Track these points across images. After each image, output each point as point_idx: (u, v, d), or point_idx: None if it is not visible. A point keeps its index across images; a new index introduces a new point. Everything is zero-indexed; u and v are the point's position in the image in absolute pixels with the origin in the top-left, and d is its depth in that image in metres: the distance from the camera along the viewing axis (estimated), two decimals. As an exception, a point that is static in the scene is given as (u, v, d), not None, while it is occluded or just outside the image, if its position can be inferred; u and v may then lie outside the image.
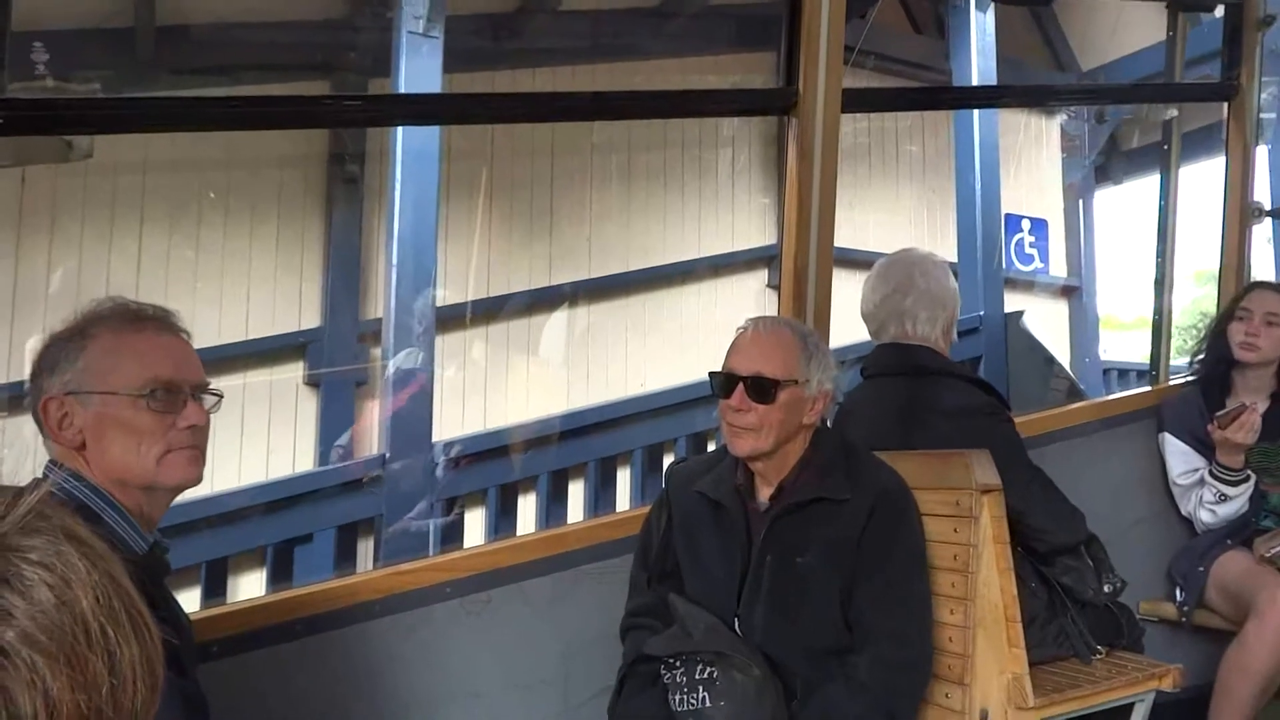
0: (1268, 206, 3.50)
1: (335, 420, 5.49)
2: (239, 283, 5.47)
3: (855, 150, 7.34)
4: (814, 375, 1.94)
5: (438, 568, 2.19)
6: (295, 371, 5.55)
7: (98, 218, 5.18)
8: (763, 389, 1.89)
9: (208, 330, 5.28)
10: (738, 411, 1.90)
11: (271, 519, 4.63)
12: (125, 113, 2.30)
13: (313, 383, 5.55)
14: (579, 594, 2.29)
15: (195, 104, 2.37)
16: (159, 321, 1.47)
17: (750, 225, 6.95)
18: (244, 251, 5.50)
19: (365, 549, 4.92)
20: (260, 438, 5.36)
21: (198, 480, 1.48)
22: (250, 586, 4.72)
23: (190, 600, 4.42)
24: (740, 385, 1.90)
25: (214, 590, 4.42)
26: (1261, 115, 3.48)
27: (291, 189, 5.69)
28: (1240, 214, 3.33)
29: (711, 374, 1.98)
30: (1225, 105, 3.35)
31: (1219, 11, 3.36)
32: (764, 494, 1.97)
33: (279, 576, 4.55)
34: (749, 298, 6.82)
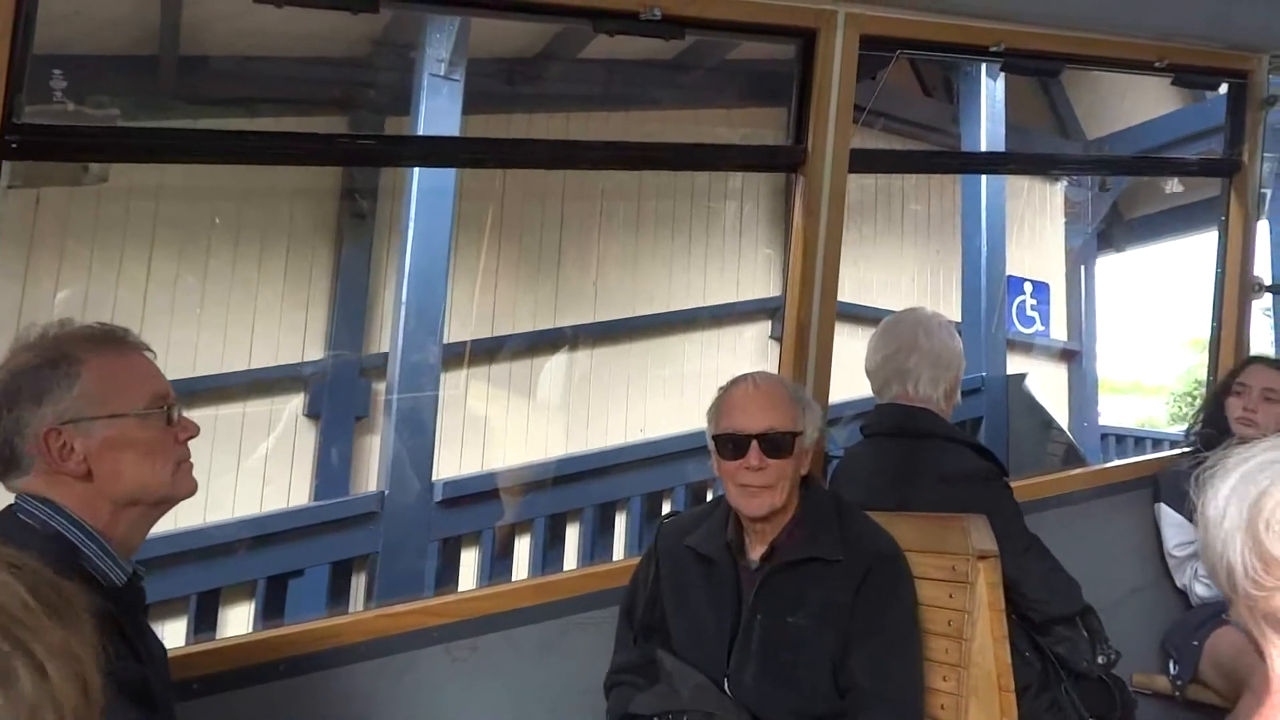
0: (1266, 281, 3.52)
1: (334, 454, 5.47)
2: (244, 312, 5.49)
3: (861, 207, 7.42)
4: (809, 426, 1.96)
5: (427, 612, 2.17)
6: (296, 403, 5.55)
7: (108, 242, 5.22)
8: (777, 444, 1.89)
9: (210, 358, 5.29)
10: (756, 470, 1.89)
11: (264, 552, 4.60)
12: (140, 142, 2.34)
13: (313, 415, 5.55)
14: (569, 644, 2.27)
15: (210, 136, 2.41)
16: (133, 342, 1.48)
17: (755, 276, 7.00)
18: (251, 281, 5.53)
19: (359, 586, 4.88)
20: (256, 469, 5.35)
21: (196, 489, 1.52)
22: (240, 619, 4.67)
23: (178, 632, 4.39)
24: (754, 443, 1.89)
25: (204, 622, 4.38)
26: (1262, 190, 3.51)
27: (302, 221, 5.74)
28: (1241, 288, 3.34)
29: (717, 437, 1.96)
30: (1226, 181, 3.38)
31: (1223, 89, 3.40)
32: (756, 552, 1.96)
33: (270, 610, 4.51)
34: (751, 348, 6.84)
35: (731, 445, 1.92)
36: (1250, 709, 2.49)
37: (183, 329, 5.24)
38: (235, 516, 4.84)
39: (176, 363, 5.08)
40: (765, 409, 1.93)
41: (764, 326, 6.97)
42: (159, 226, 5.33)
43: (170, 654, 1.87)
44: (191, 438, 1.48)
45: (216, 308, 5.41)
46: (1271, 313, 6.87)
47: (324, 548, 4.71)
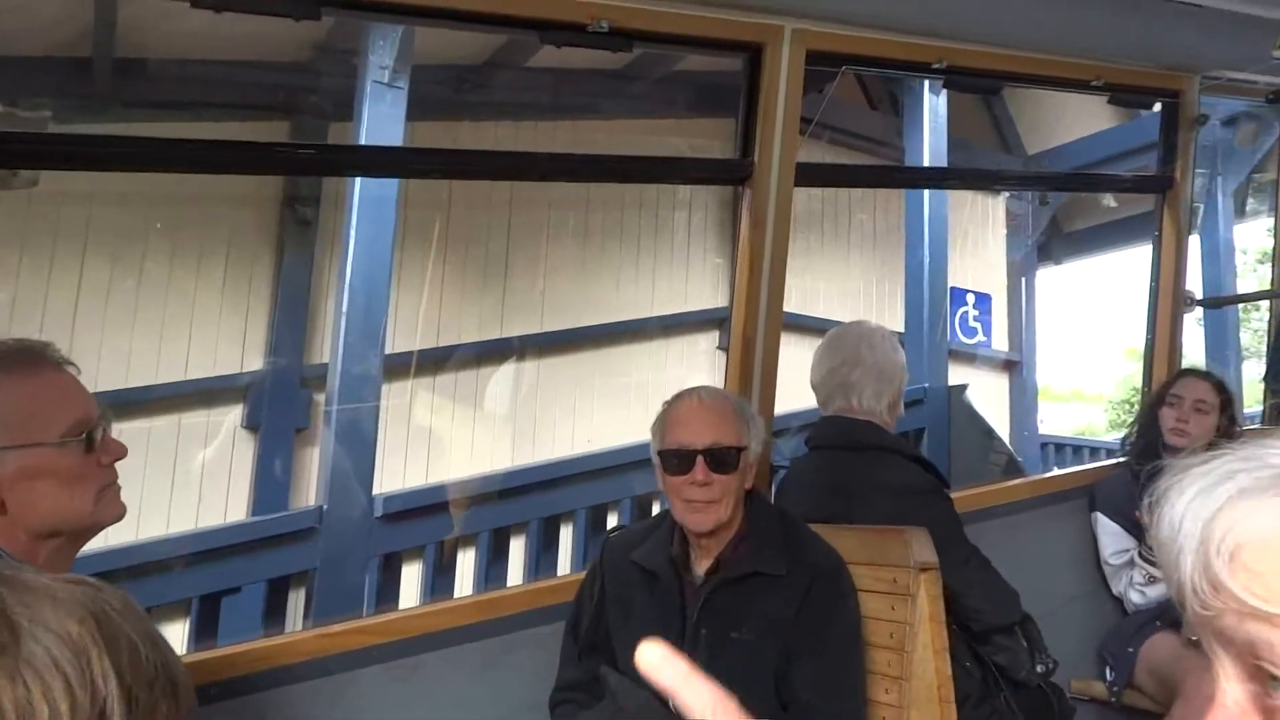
0: (1198, 295, 3.62)
1: (273, 467, 5.35)
2: (181, 320, 5.35)
3: (809, 218, 7.49)
4: (753, 440, 1.96)
5: (366, 630, 2.13)
6: (234, 415, 5.42)
7: (38, 246, 5.06)
8: (723, 459, 1.88)
9: (144, 367, 5.15)
10: (702, 486, 1.88)
11: (199, 570, 4.47)
12: (74, 150, 2.26)
13: (252, 427, 5.42)
14: (513, 661, 2.24)
15: (147, 144, 2.33)
16: (51, 360, 1.40)
17: (704, 286, 7.02)
18: (188, 288, 5.39)
19: (297, 603, 4.78)
20: (192, 483, 5.21)
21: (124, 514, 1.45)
22: (174, 639, 4.54)
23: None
24: (700, 458, 1.89)
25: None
26: (1195, 204, 3.61)
27: (243, 228, 5.61)
28: (1174, 301, 3.43)
29: (662, 453, 1.96)
30: (1160, 196, 3.47)
31: (1156, 107, 3.49)
32: (701, 566, 1.95)
33: (204, 630, 4.38)
34: (699, 358, 6.86)
35: (677, 460, 1.91)
36: (1183, 716, 2.56)
37: (116, 337, 5.09)
38: (169, 533, 4.71)
39: (109, 372, 4.93)
40: (710, 424, 1.92)
41: (713, 337, 7.00)
42: (92, 232, 5.17)
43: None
44: (118, 460, 1.41)
45: (152, 315, 5.26)
46: (1204, 324, 7.10)
47: (261, 565, 4.58)
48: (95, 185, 5.10)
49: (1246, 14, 3.21)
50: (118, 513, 1.42)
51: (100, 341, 5.02)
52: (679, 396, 2.01)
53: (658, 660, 0.62)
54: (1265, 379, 3.58)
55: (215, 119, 5.35)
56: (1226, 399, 3.00)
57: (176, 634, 4.54)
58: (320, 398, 5.33)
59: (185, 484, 5.16)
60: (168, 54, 5.27)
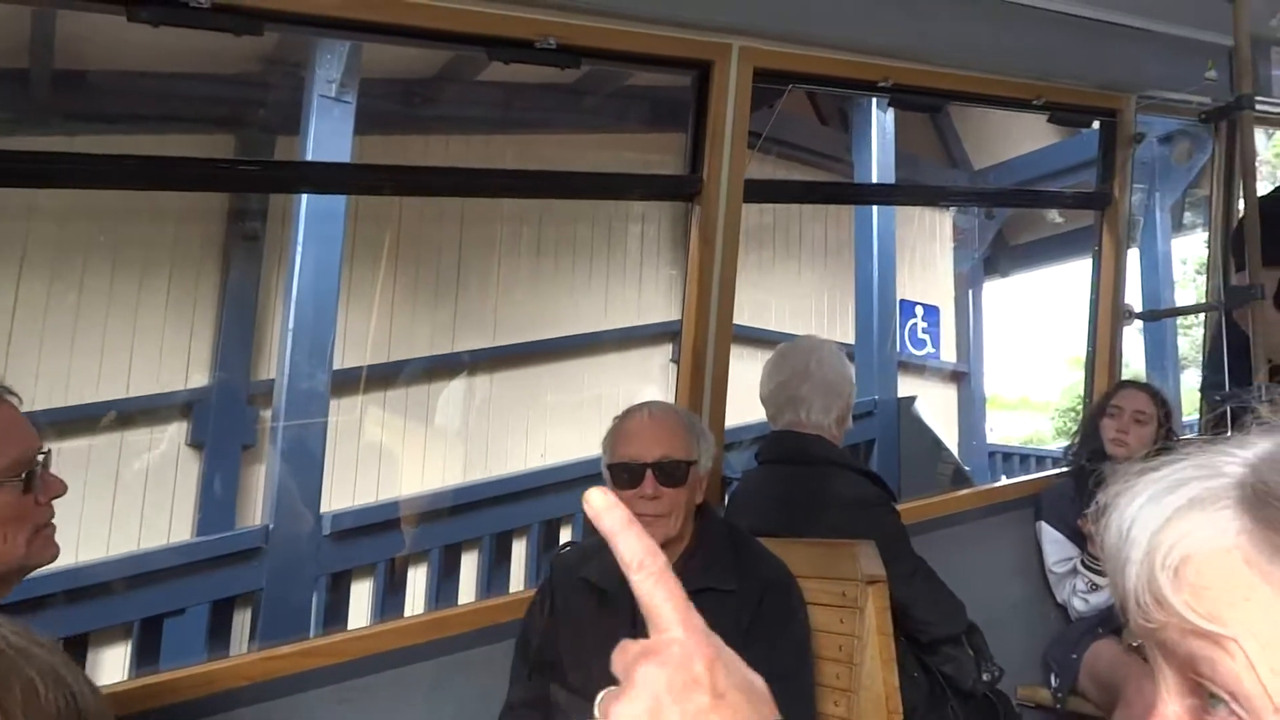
0: (1137, 307, 3.71)
1: (219, 486, 5.24)
2: (123, 336, 5.24)
3: (760, 231, 7.55)
4: (702, 455, 1.97)
5: (313, 652, 2.09)
6: (178, 432, 5.31)
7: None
8: (671, 472, 1.89)
9: (85, 384, 5.03)
10: (650, 499, 1.88)
11: (141, 592, 4.35)
12: (11, 165, 2.20)
13: (196, 444, 5.31)
14: (464, 680, 2.22)
15: (87, 160, 2.28)
16: None
17: (657, 299, 7.04)
18: (131, 304, 5.28)
19: (242, 625, 4.68)
20: (134, 503, 5.08)
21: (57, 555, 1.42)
22: (114, 664, 4.42)
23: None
24: (649, 472, 1.89)
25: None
26: (1134, 217, 3.70)
27: (187, 243, 5.51)
28: (1113, 315, 3.51)
29: (611, 466, 1.96)
30: (1099, 213, 3.56)
31: (1095, 125, 3.58)
32: None
33: (145, 654, 4.27)
34: (653, 372, 6.87)
35: (626, 474, 1.91)
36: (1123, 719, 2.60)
37: (55, 354, 4.96)
38: (110, 555, 4.59)
39: (47, 390, 4.80)
40: (659, 438, 1.93)
41: (666, 350, 7.01)
42: (31, 246, 5.05)
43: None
44: (56, 497, 1.38)
45: (93, 331, 5.14)
46: (1144, 335, 7.28)
47: (205, 586, 4.48)
48: (33, 199, 4.98)
49: (1180, 36, 3.32)
50: (51, 554, 1.38)
51: (39, 358, 4.89)
52: (629, 411, 2.01)
53: (604, 505, 0.64)
54: (1202, 389, 3.67)
55: (158, 133, 5.25)
56: (1165, 410, 3.08)
57: (116, 658, 4.42)
58: (267, 414, 5.23)
59: (127, 504, 5.04)
60: (109, 66, 5.16)
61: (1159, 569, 0.57)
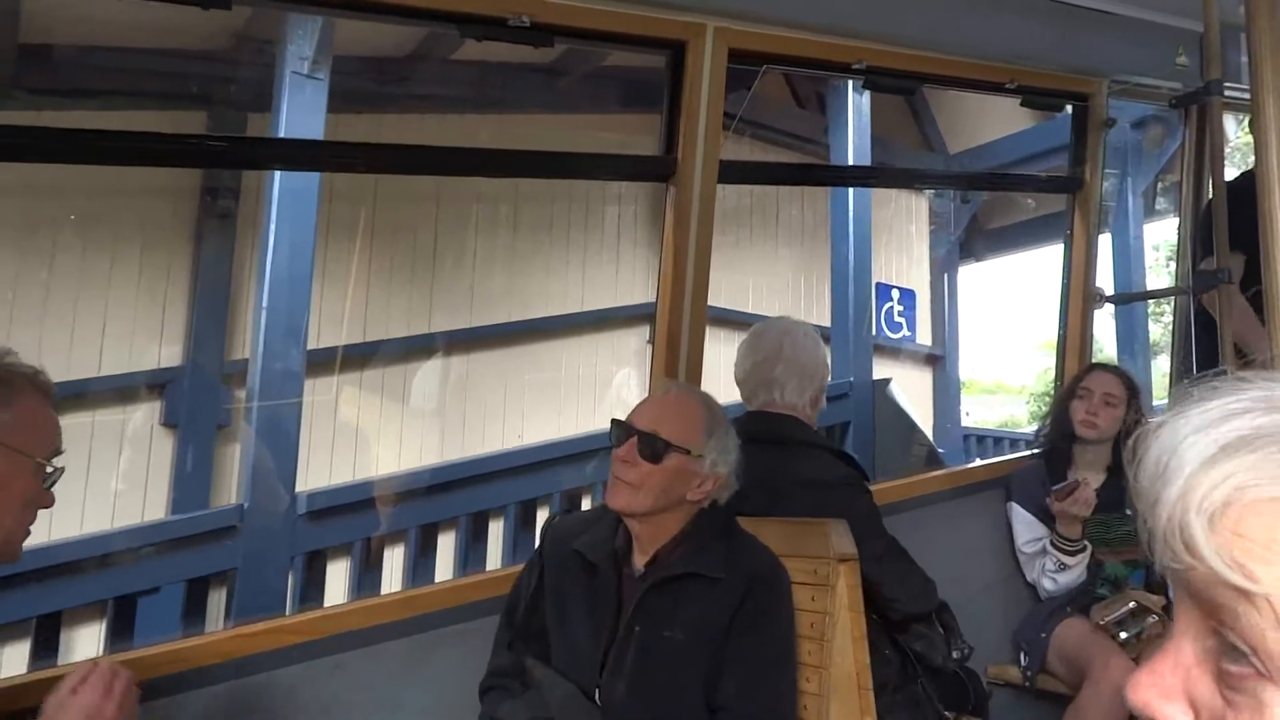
0: (1108, 291, 3.76)
1: (193, 465, 5.21)
2: (95, 314, 5.18)
3: (737, 212, 7.56)
4: (710, 453, 1.92)
5: (287, 630, 2.09)
6: (151, 411, 5.26)
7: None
8: (652, 446, 1.88)
9: (56, 363, 4.95)
10: (623, 463, 1.89)
11: (114, 571, 4.34)
12: (-25, 140, 2.18)
13: (170, 424, 5.28)
14: (438, 658, 2.23)
15: (56, 135, 2.26)
16: (54, 399, 1.53)
17: (635, 279, 7.04)
18: (102, 282, 5.22)
19: (218, 604, 4.67)
20: (108, 482, 5.04)
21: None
22: (88, 642, 4.40)
23: (17, 658, 4.10)
24: (634, 438, 1.89)
25: (45, 647, 4.10)
26: (1106, 203, 3.73)
27: (159, 220, 5.45)
28: (1084, 298, 3.55)
29: (613, 421, 1.97)
30: (1071, 197, 3.59)
31: (1068, 109, 3.61)
32: (640, 561, 1.94)
33: (119, 632, 4.26)
34: (630, 354, 6.87)
35: (618, 432, 1.93)
36: (1091, 697, 2.65)
37: (24, 332, 4.90)
38: (84, 533, 4.56)
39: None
40: (660, 413, 1.93)
41: (643, 331, 7.01)
42: (-1, 224, 4.98)
43: (3, 683, 1.75)
44: (47, 508, 1.48)
45: (63, 310, 5.08)
46: (1115, 319, 7.37)
47: (180, 564, 4.47)
48: (0, 175, 4.90)
49: (1152, 21, 3.35)
50: (17, 553, 1.46)
51: (7, 336, 4.83)
52: (661, 385, 2.02)
53: None
54: (1171, 374, 3.72)
55: (127, 108, 5.17)
56: (1134, 392, 3.12)
57: (91, 637, 4.41)
58: (241, 394, 5.20)
59: (100, 483, 5.00)
60: (76, 40, 5.08)
61: (1194, 512, 0.51)
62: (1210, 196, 3.24)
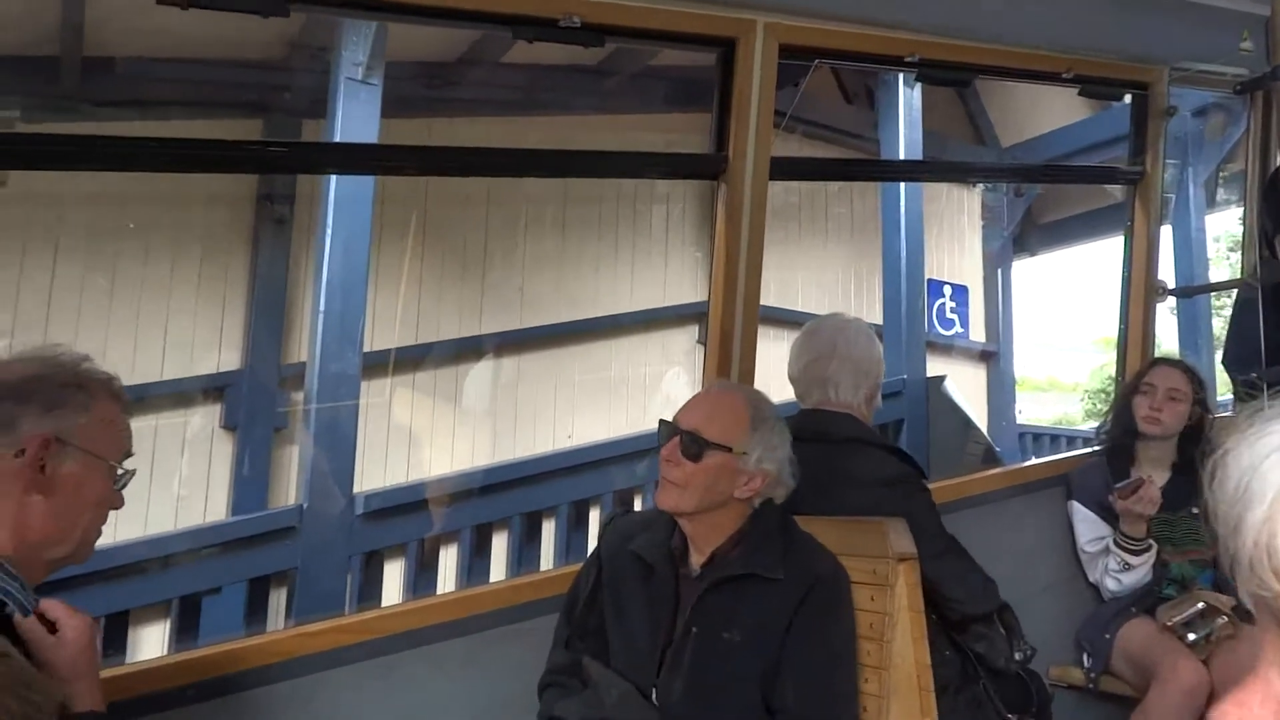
0: (1170, 284, 3.66)
1: (252, 467, 5.32)
2: (156, 320, 5.31)
3: (786, 210, 7.50)
4: (755, 450, 1.89)
5: (345, 629, 2.12)
6: (211, 415, 5.38)
7: (8, 247, 5.00)
8: (692, 445, 1.87)
9: (120, 368, 5.08)
10: (668, 463, 1.89)
11: (179, 571, 4.44)
12: (42, 149, 2.24)
13: (230, 426, 5.39)
14: (492, 657, 2.24)
15: (118, 144, 2.31)
16: (129, 407, 1.56)
17: (683, 279, 7.03)
18: (164, 288, 5.35)
19: (278, 603, 4.75)
20: (170, 484, 5.17)
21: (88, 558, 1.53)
22: (153, 640, 4.51)
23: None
24: (677, 437, 1.89)
25: (112, 646, 4.21)
26: (1166, 195, 3.64)
27: (217, 227, 5.57)
28: (1146, 291, 3.47)
29: (660, 421, 1.97)
30: (1131, 188, 3.50)
31: (1127, 99, 3.52)
32: (696, 561, 1.92)
33: (184, 631, 4.36)
34: (678, 353, 6.87)
35: (664, 431, 1.92)
36: (1158, 700, 2.58)
37: (90, 338, 5.04)
38: (148, 534, 4.67)
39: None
40: (703, 412, 1.92)
41: (692, 331, 7.00)
42: (63, 232, 5.12)
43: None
44: (116, 509, 1.51)
45: (126, 316, 5.22)
46: (1177, 313, 7.18)
47: (241, 564, 4.57)
48: (65, 186, 5.04)
49: (1214, 6, 3.26)
50: (88, 553, 1.49)
51: (74, 342, 4.96)
52: (710, 383, 2.01)
53: None
54: (1224, 364, 3.58)
55: (186, 117, 5.30)
56: (1199, 387, 3.03)
57: (156, 635, 4.52)
58: (299, 396, 5.30)
59: (163, 485, 5.12)
60: (137, 52, 5.21)
61: None
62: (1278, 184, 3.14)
